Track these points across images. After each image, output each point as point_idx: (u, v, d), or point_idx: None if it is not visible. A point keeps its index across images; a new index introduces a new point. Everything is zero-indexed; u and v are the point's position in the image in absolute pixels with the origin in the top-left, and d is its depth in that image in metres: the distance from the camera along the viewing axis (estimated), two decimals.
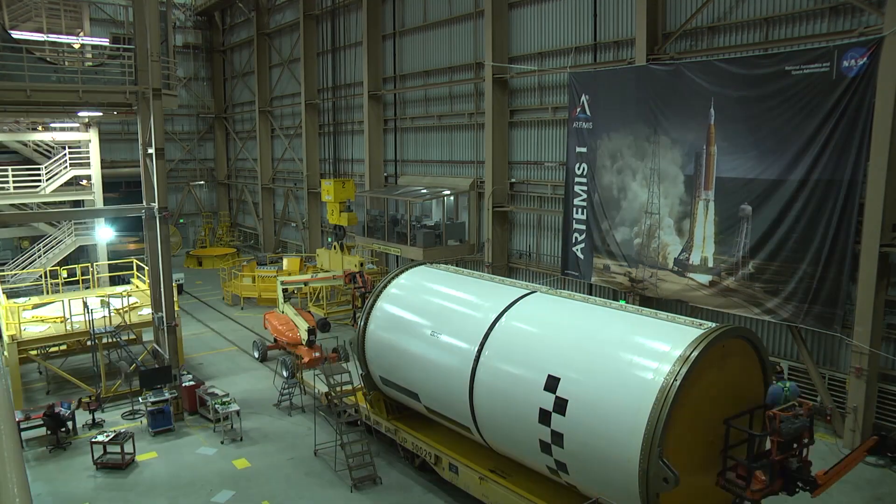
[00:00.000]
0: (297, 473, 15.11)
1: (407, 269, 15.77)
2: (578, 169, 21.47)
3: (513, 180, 25.08)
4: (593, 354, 10.69)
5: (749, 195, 16.92)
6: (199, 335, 26.37)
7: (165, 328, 18.31)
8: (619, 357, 10.32)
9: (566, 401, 10.40)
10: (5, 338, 18.51)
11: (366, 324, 15.18)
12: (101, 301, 20.36)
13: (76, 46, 27.96)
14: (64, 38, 27.87)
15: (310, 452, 15.98)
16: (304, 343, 20.72)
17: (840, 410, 16.30)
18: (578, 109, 21.09)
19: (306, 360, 19.97)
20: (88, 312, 18.79)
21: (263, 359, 22.72)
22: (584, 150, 21.16)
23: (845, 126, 15.04)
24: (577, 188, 21.54)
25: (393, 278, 15.52)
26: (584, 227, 21.46)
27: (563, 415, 10.38)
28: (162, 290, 18.29)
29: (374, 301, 15.28)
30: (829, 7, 16.04)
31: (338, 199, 27.79)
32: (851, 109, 14.89)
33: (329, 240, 30.20)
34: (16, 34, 23.62)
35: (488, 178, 25.00)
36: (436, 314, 13.93)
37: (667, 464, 9.03)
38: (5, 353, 18.27)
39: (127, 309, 20.56)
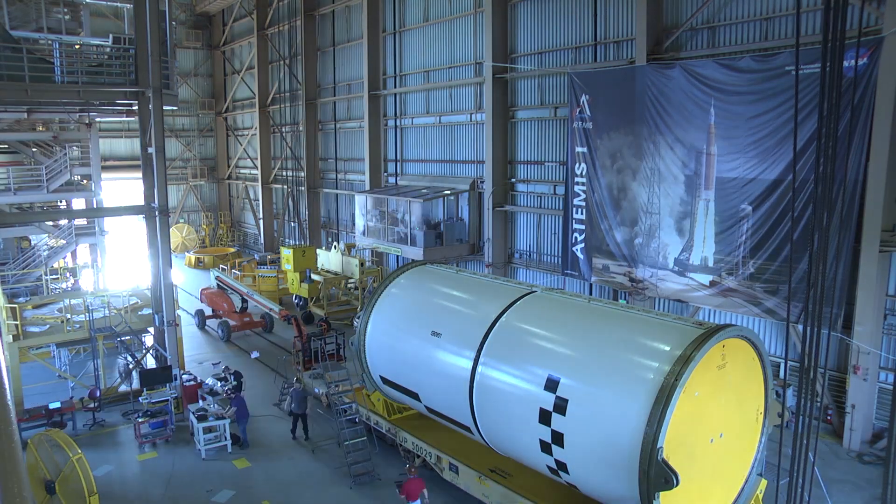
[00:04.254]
0: (296, 473, 15.12)
1: (407, 269, 15.76)
2: (578, 169, 21.46)
3: (513, 180, 25.08)
4: (593, 354, 10.69)
5: (749, 195, 16.92)
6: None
7: (166, 327, 18.32)
8: (620, 357, 10.32)
9: (566, 401, 10.40)
10: (6, 338, 18.49)
11: (366, 324, 15.18)
12: (102, 300, 20.36)
13: (76, 46, 27.94)
14: (64, 38, 27.84)
15: (310, 452, 15.98)
16: (237, 311, 26.20)
17: (840, 410, 16.31)
18: (578, 109, 21.08)
19: (237, 322, 25.85)
20: (89, 312, 18.79)
21: (202, 326, 27.07)
22: (584, 149, 21.16)
23: (845, 126, 15.02)
24: (577, 188, 21.54)
25: (393, 278, 15.51)
26: (583, 226, 21.46)
27: (563, 415, 10.38)
28: (162, 289, 18.29)
29: (375, 301, 15.28)
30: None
31: (297, 269, 27.78)
32: (851, 109, 14.88)
33: (330, 239, 30.15)
34: (16, 34, 23.62)
35: (488, 177, 25.00)
36: (436, 314, 13.92)
37: (667, 464, 9.03)
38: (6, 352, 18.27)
39: (128, 308, 20.56)
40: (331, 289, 28.72)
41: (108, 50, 21.29)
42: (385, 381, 14.94)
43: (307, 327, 22.74)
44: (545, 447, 10.77)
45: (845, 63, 14.80)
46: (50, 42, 24.97)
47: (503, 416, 11.69)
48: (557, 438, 10.48)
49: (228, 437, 16.32)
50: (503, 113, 24.79)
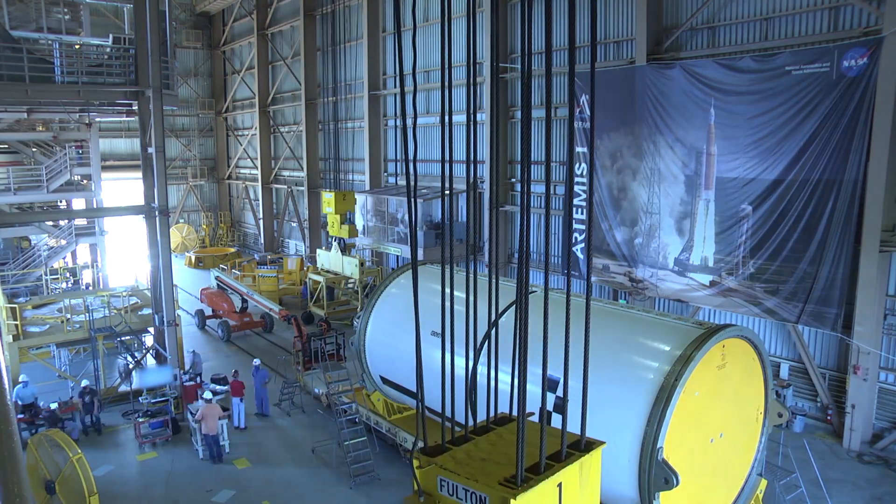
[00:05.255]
0: (296, 473, 15.12)
1: (406, 269, 15.75)
2: (578, 169, 21.46)
3: (513, 179, 25.07)
4: (593, 354, 10.63)
5: (749, 195, 16.93)
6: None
7: (166, 327, 18.32)
8: (620, 357, 10.32)
9: (566, 401, 10.38)
10: (6, 338, 18.50)
11: (366, 324, 15.18)
12: (102, 301, 20.36)
13: (76, 46, 27.95)
14: (65, 38, 27.86)
15: (310, 452, 15.99)
16: (237, 311, 26.26)
17: (840, 410, 16.31)
18: (579, 109, 21.08)
19: (237, 322, 25.88)
20: (89, 313, 18.79)
21: (202, 326, 27.18)
22: (584, 149, 21.16)
23: (845, 126, 15.04)
24: (577, 188, 21.54)
25: (393, 278, 15.51)
26: (584, 227, 21.45)
27: (563, 415, 10.36)
28: (162, 289, 18.29)
29: (374, 301, 15.28)
30: (830, 7, 16.04)
31: (338, 212, 27.85)
32: (851, 109, 14.90)
33: (333, 242, 30.16)
34: (16, 34, 23.64)
35: (488, 177, 24.99)
36: (436, 314, 13.89)
37: (667, 464, 9.03)
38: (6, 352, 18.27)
39: (128, 308, 20.55)
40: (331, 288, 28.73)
41: (108, 50, 21.30)
42: (385, 381, 14.94)
43: (307, 327, 22.77)
44: None
45: (845, 63, 14.89)
46: (50, 42, 25.01)
47: None
48: None
49: (227, 438, 16.31)
50: (503, 112, 24.77)
